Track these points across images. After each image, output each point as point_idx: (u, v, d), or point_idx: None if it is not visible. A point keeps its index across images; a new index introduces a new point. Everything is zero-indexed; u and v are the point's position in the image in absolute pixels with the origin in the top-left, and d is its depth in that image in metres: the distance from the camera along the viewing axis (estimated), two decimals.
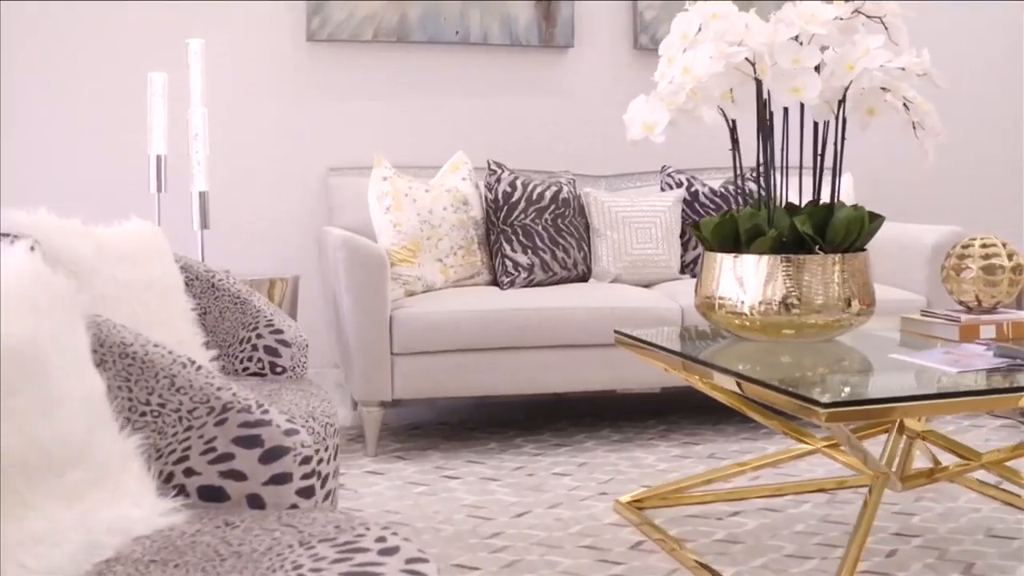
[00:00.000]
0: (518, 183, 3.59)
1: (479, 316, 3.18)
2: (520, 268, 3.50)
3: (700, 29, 2.28)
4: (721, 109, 2.39)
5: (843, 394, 1.84)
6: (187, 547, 1.30)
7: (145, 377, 1.58)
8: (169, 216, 3.23)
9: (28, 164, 3.59)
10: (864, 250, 2.43)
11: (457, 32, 3.85)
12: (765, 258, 2.31)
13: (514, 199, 3.56)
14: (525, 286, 3.50)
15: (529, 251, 3.52)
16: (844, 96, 2.31)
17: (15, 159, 3.56)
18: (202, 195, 3.04)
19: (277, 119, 3.78)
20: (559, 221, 3.59)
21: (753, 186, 3.74)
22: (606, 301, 3.29)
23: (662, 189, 3.87)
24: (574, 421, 3.64)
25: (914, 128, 2.41)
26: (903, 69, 2.20)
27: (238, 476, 1.54)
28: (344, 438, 3.42)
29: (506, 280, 3.50)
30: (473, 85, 3.94)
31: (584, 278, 3.65)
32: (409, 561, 1.27)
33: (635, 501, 2.66)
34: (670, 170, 3.88)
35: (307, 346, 2.49)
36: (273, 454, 1.54)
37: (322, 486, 2.17)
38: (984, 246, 2.50)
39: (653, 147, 4.06)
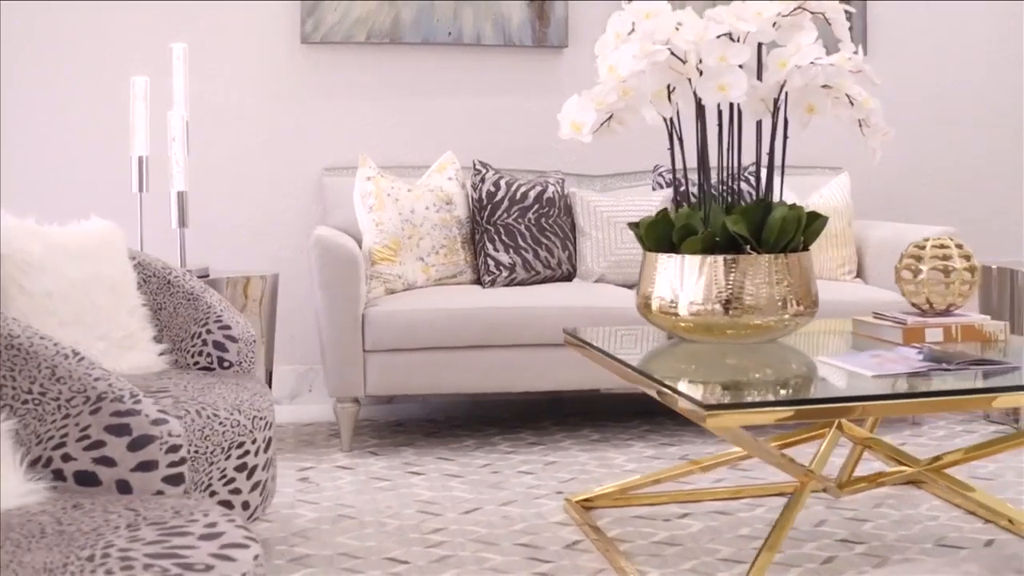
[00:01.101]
0: (502, 183, 3.61)
1: (451, 314, 3.20)
2: (502, 267, 3.52)
3: (633, 29, 2.27)
4: (677, 107, 2.38)
5: (726, 397, 1.82)
6: (20, 524, 1.35)
7: (29, 367, 1.64)
8: (161, 215, 3.33)
9: (20, 166, 3.72)
10: (806, 250, 2.39)
11: (450, 33, 3.88)
12: (697, 258, 2.29)
13: (497, 198, 3.58)
14: (507, 285, 3.52)
15: (511, 250, 3.53)
16: (780, 94, 2.28)
17: (9, 161, 3.70)
18: (180, 195, 3.12)
19: (272, 120, 3.86)
20: (543, 220, 3.59)
21: (747, 186, 3.69)
22: (581, 300, 3.28)
23: (653, 189, 3.84)
24: (558, 420, 3.64)
25: (860, 126, 2.37)
26: (833, 65, 2.16)
27: (109, 462, 1.59)
28: (327, 433, 3.47)
29: (488, 279, 3.52)
30: (467, 85, 3.97)
31: (569, 278, 3.65)
32: (225, 546, 1.30)
33: (584, 500, 2.66)
34: (661, 169, 3.85)
35: (254, 341, 2.54)
36: (140, 442, 1.59)
37: (248, 477, 2.23)
38: (937, 247, 2.45)
39: (649, 146, 4.04)
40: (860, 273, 3.82)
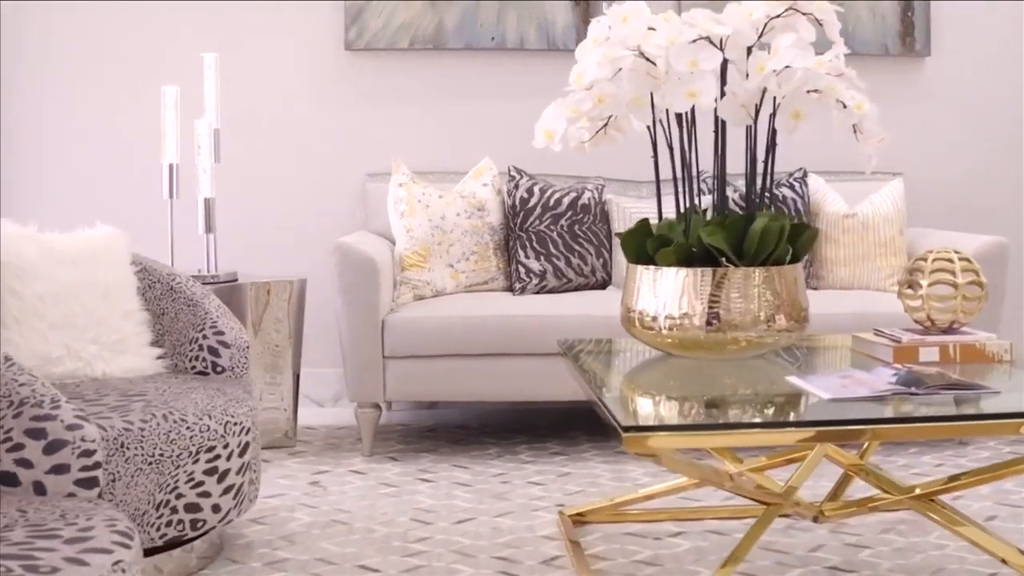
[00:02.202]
0: (536, 189, 3.58)
1: (469, 322, 3.19)
2: (532, 274, 3.49)
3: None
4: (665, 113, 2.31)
5: (648, 418, 1.75)
6: None
7: None
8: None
9: (65, 171, 3.89)
10: (797, 262, 2.29)
11: (493, 38, 3.87)
12: (673, 271, 2.22)
13: (530, 205, 3.55)
14: (537, 292, 3.49)
15: (542, 257, 3.50)
16: (762, 100, 2.19)
17: (46, 168, 3.87)
18: (207, 201, 3.21)
19: (317, 126, 3.93)
20: (576, 227, 3.55)
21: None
22: (604, 309, 3.22)
23: (705, 193, 3.74)
24: (589, 430, 3.59)
25: (855, 131, 2.25)
26: (807, 69, 2.06)
27: (27, 464, 1.65)
28: (355, 437, 3.49)
29: (518, 286, 3.50)
30: (510, 90, 3.95)
31: (604, 286, 3.59)
32: (86, 551, 1.32)
33: (577, 515, 2.61)
34: (705, 176, 3.75)
35: (247, 347, 2.59)
36: (54, 446, 1.64)
37: (219, 481, 2.27)
38: (937, 260, 2.30)
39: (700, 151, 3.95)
40: None
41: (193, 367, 2.59)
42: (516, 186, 3.59)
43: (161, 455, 2.15)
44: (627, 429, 1.65)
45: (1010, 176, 4.09)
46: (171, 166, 3.19)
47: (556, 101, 2.22)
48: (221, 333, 2.57)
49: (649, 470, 3.09)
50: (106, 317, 2.47)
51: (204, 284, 3.17)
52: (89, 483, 1.65)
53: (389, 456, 3.28)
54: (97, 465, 1.66)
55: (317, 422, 3.69)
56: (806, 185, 3.67)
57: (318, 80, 3.92)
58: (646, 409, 1.86)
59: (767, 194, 3.58)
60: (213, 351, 2.57)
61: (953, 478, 2.11)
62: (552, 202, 3.55)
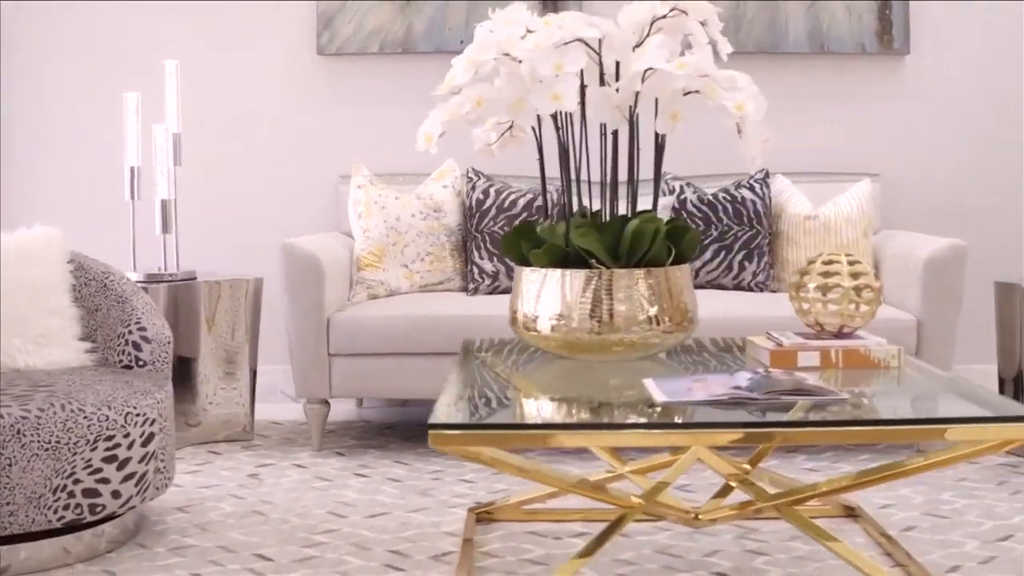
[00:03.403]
0: (492, 191, 3.62)
1: (412, 321, 3.25)
2: (485, 275, 3.53)
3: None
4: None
5: (450, 416, 1.78)
6: None
7: None
8: (192, 221, 3.60)
9: (28, 175, 4.05)
10: (683, 264, 2.29)
11: (462, 41, 3.92)
12: (550, 272, 2.24)
13: (486, 206, 3.59)
14: (490, 293, 3.53)
15: (495, 258, 3.54)
16: (637, 102, 2.20)
17: (19, 172, 4.04)
18: (164, 203, 3.32)
19: (290, 129, 4.03)
20: None
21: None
22: None
23: (662, 196, 3.74)
24: None
25: (739, 131, 2.24)
26: (663, 71, 2.06)
27: None
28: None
29: (472, 286, 3.54)
30: None
31: None
32: None
33: (486, 511, 2.65)
34: (668, 176, 3.74)
35: (168, 343, 2.69)
36: None
37: (119, 468, 2.37)
38: (826, 263, 2.28)
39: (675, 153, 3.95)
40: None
41: (120, 361, 2.70)
42: (473, 187, 3.63)
43: (58, 442, 2.25)
44: (432, 427, 1.68)
45: (993, 177, 3.99)
46: (132, 169, 3.32)
47: (438, 105, 2.27)
48: (144, 329, 2.68)
49: (599, 466, 3.11)
50: (32, 313, 2.60)
51: (158, 283, 3.30)
52: None
53: (337, 451, 3.36)
54: None
55: (285, 417, 3.78)
56: (767, 186, 3.64)
57: (292, 84, 4.02)
58: (457, 408, 1.89)
59: (726, 194, 3.57)
60: (136, 346, 2.68)
61: (813, 486, 2.09)
62: (507, 203, 3.59)
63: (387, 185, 3.68)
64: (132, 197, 3.34)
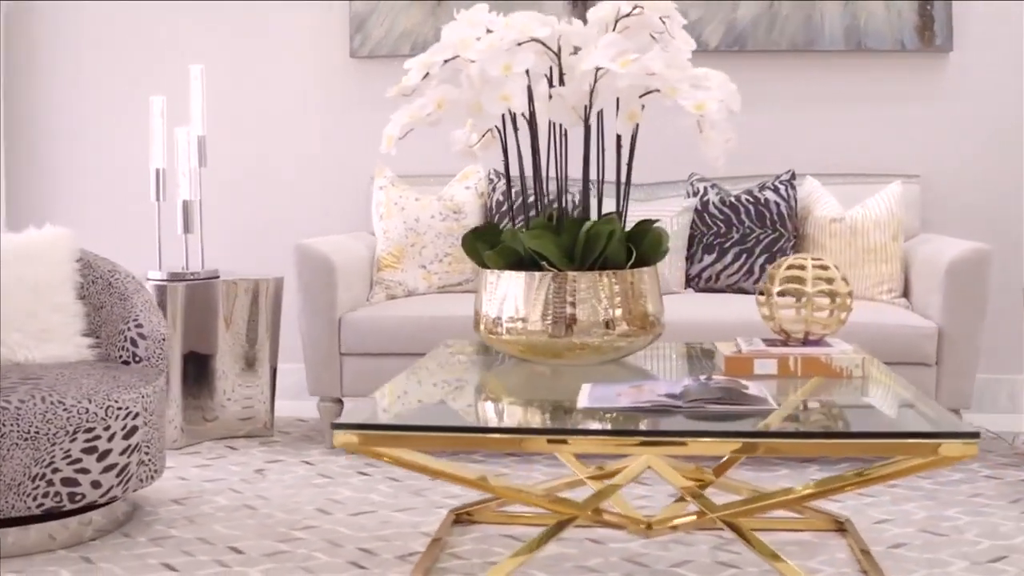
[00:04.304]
0: (513, 192, 3.61)
1: (420, 322, 3.27)
2: None
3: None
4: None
5: (356, 417, 1.79)
6: None
7: None
8: (224, 222, 3.70)
9: (63, 176, 4.22)
10: (645, 266, 2.25)
11: None
12: (506, 275, 2.23)
13: (505, 207, 3.58)
14: None
15: None
16: (592, 102, 2.16)
17: (52, 174, 4.21)
18: (186, 203, 3.43)
19: (325, 131, 4.10)
20: None
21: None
22: None
23: (687, 196, 3.67)
24: None
25: (700, 130, 2.19)
26: (610, 71, 2.02)
27: None
28: None
29: None
30: None
31: None
32: None
33: (465, 513, 2.65)
34: (695, 178, 3.67)
35: (163, 340, 2.78)
36: None
37: (99, 460, 2.46)
38: (790, 268, 2.21)
39: (685, 155, 3.88)
40: (909, 293, 3.42)
41: (120, 356, 2.80)
42: (494, 189, 3.64)
43: (37, 432, 2.35)
44: (335, 426, 1.70)
45: None
46: (157, 171, 3.43)
47: (402, 107, 2.28)
48: (140, 326, 2.77)
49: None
50: (35, 310, 2.72)
51: (177, 281, 3.40)
52: None
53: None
54: None
55: (310, 415, 3.85)
56: (793, 188, 3.53)
57: (325, 87, 4.10)
58: (368, 409, 1.90)
59: (749, 196, 3.48)
60: (133, 342, 2.77)
61: (760, 497, 2.02)
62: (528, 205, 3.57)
63: (410, 187, 3.72)
64: (157, 198, 3.45)
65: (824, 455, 3.11)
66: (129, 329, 2.79)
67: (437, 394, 2.15)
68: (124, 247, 3.75)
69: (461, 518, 2.64)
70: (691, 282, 3.55)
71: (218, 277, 3.50)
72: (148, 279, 3.39)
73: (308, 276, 3.30)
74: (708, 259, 3.49)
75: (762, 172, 3.77)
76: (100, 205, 4.16)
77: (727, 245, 3.48)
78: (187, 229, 3.44)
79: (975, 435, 1.64)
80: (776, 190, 3.52)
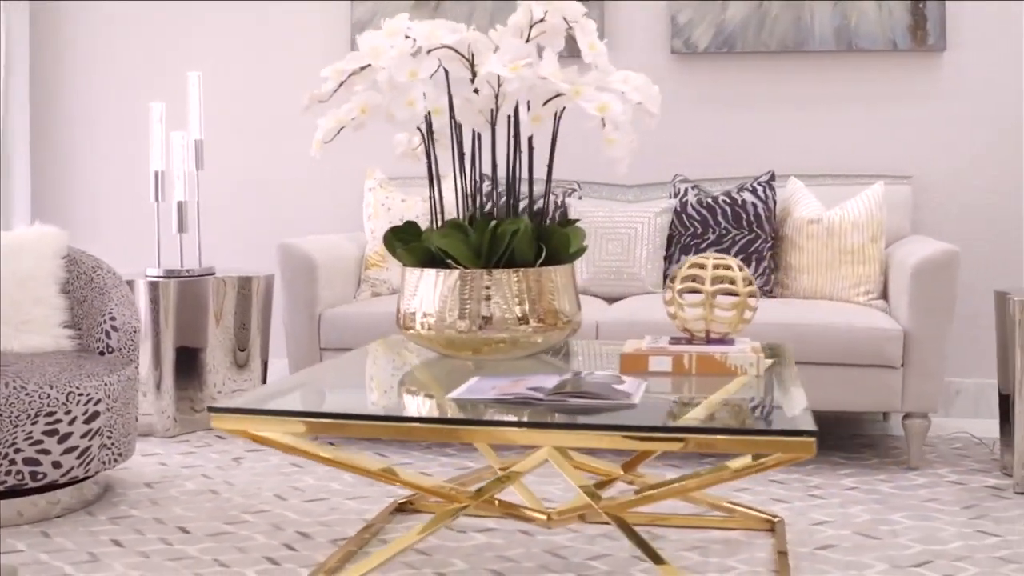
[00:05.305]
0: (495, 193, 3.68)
1: (392, 318, 3.38)
2: None
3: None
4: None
5: (229, 401, 1.89)
6: None
7: None
8: (226, 222, 3.85)
9: (89, 179, 4.44)
10: (559, 265, 2.31)
11: None
12: (418, 272, 2.31)
13: (488, 209, 3.67)
14: None
15: None
16: (498, 106, 2.24)
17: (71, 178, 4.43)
18: (180, 204, 3.61)
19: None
20: None
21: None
22: None
23: (670, 198, 3.70)
24: None
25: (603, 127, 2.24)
26: (501, 76, 2.09)
27: None
28: None
29: None
30: None
31: None
32: None
33: (408, 502, 2.74)
34: (679, 179, 3.70)
35: (135, 332, 2.94)
36: None
37: (60, 442, 2.63)
38: (693, 267, 2.24)
39: (675, 157, 3.92)
40: (888, 295, 3.39)
41: (96, 347, 2.98)
42: (479, 190, 3.72)
43: (0, 415, 2.54)
44: (210, 410, 1.81)
45: None
46: (156, 173, 3.62)
47: (329, 112, 2.39)
48: (114, 319, 2.95)
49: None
50: (19, 301, 2.91)
51: (169, 278, 3.58)
52: None
53: (330, 441, 3.53)
54: None
55: None
56: (772, 189, 3.53)
57: None
58: (256, 395, 2.00)
59: (727, 197, 3.50)
60: (107, 334, 2.95)
61: (642, 490, 2.06)
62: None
63: (398, 188, 3.83)
64: (156, 199, 3.64)
65: (642, 450, 3.11)
66: (105, 321, 2.96)
67: (333, 383, 2.22)
68: (130, 246, 3.96)
69: (404, 507, 2.74)
70: None
71: (213, 274, 3.67)
72: (146, 276, 3.58)
73: (290, 274, 3.44)
74: (685, 259, 3.52)
75: (751, 173, 3.78)
76: (111, 205, 4.39)
77: (703, 246, 3.50)
78: (182, 229, 3.62)
79: (812, 434, 1.66)
80: (754, 191, 3.53)
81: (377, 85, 2.36)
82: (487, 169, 3.83)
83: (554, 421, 1.75)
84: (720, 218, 3.50)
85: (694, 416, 1.80)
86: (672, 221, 3.58)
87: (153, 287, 3.50)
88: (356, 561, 2.35)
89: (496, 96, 2.21)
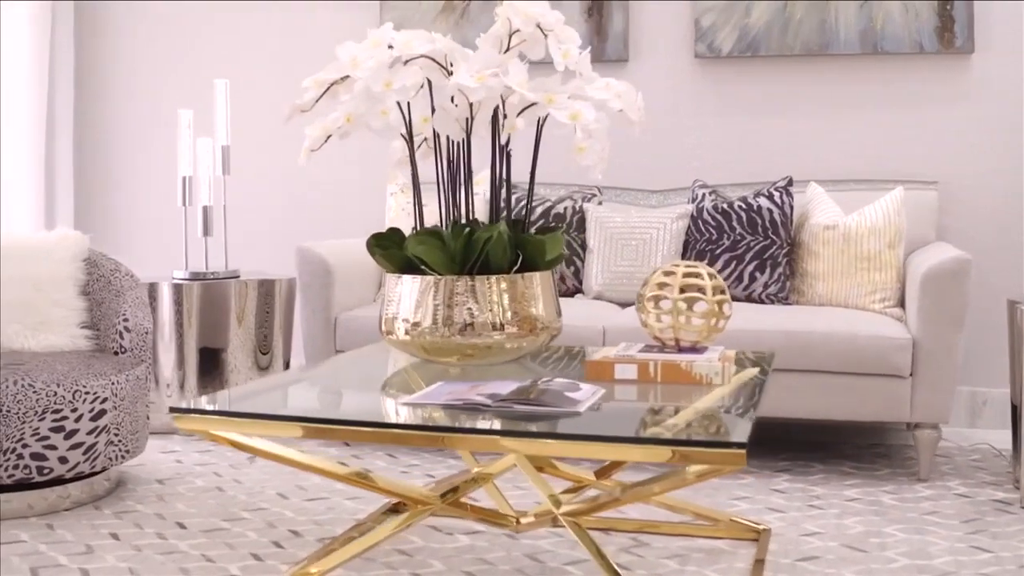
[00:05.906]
0: (513, 199, 3.71)
1: None
2: None
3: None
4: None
5: (196, 403, 1.95)
6: None
7: None
8: (256, 226, 3.95)
9: (126, 184, 4.58)
10: (538, 271, 2.32)
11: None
12: (396, 278, 2.35)
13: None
14: None
15: None
16: (473, 114, 2.26)
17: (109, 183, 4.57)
18: (206, 209, 3.71)
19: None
20: None
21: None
22: (570, 318, 3.29)
23: (689, 203, 3.67)
24: None
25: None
26: (466, 86, 2.12)
27: None
28: None
29: None
30: None
31: (574, 294, 3.65)
32: None
33: (401, 503, 2.78)
34: (698, 184, 3.67)
35: (146, 333, 3.05)
36: None
37: (67, 438, 2.74)
38: (666, 274, 2.23)
39: (698, 161, 3.89)
40: (905, 303, 3.31)
41: (112, 347, 3.09)
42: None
43: (8, 411, 2.65)
44: (171, 410, 1.88)
45: None
46: (184, 178, 3.73)
47: (316, 121, 2.44)
48: (127, 320, 3.05)
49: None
50: (36, 303, 3.04)
51: (193, 281, 3.68)
52: None
53: (345, 441, 3.60)
54: None
55: None
56: (790, 194, 3.48)
57: None
58: (220, 396, 2.06)
59: (743, 203, 3.47)
60: (120, 335, 3.06)
61: (596, 498, 2.06)
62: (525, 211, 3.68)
63: (423, 193, 3.87)
64: (184, 203, 3.75)
65: (571, 456, 3.08)
66: (119, 323, 3.07)
67: (304, 385, 2.27)
68: (162, 248, 4.09)
69: (399, 508, 2.78)
70: None
71: (237, 277, 3.77)
72: (172, 278, 3.69)
73: (307, 277, 3.52)
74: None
75: (774, 179, 3.73)
76: (146, 209, 4.53)
77: (718, 251, 3.47)
78: (207, 232, 3.72)
79: (742, 445, 1.65)
80: (770, 196, 3.48)
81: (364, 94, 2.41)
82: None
83: (494, 428, 1.77)
84: (735, 224, 3.47)
85: (633, 425, 1.80)
86: (688, 227, 3.56)
87: (176, 289, 3.61)
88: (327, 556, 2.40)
89: (470, 105, 2.24)
